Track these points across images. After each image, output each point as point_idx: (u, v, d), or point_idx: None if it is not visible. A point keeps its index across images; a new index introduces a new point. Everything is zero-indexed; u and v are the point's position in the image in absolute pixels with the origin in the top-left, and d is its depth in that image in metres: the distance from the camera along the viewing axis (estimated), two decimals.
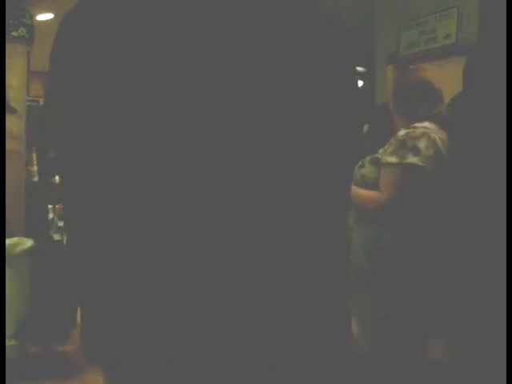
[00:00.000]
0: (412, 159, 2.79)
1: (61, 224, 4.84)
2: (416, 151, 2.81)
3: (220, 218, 0.96)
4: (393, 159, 2.85)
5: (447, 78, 3.55)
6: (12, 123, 4.96)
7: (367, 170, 2.96)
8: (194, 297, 0.97)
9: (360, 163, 3.02)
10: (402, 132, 2.94)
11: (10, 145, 4.82)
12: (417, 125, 2.91)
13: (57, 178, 7.33)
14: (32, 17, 5.81)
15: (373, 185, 2.93)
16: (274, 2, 1.02)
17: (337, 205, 1.10)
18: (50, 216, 4.93)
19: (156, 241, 0.96)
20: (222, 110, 0.95)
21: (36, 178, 5.34)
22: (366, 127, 5.15)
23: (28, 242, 4.07)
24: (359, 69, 7.21)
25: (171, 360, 0.97)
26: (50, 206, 4.91)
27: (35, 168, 5.39)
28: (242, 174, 0.97)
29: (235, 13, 0.98)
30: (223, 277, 0.96)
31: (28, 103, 6.15)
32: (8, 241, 3.76)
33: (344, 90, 1.07)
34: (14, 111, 3.88)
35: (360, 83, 7.47)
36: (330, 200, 1.07)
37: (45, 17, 6.27)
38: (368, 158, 3.02)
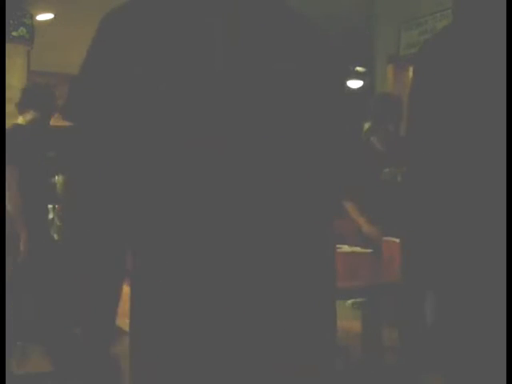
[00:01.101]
0: (382, 175, 2.87)
1: (61, 224, 4.84)
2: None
3: (221, 217, 0.97)
4: None
5: None
6: (12, 123, 4.95)
7: None
8: (194, 295, 0.97)
9: None
10: None
11: None
12: None
13: (57, 177, 7.33)
14: (32, 17, 5.82)
15: None
16: (271, 15, 1.05)
17: (329, 206, 1.11)
18: (50, 216, 4.92)
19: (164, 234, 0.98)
20: (222, 113, 0.97)
21: None
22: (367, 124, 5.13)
23: None
24: (359, 69, 7.22)
25: (175, 357, 0.98)
26: (49, 206, 4.91)
27: None
28: (240, 172, 0.98)
29: (236, 24, 1.01)
30: (222, 275, 0.97)
31: None
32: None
33: (335, 94, 1.09)
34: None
35: (360, 83, 7.48)
36: (325, 200, 1.08)
37: (45, 17, 6.28)
38: None
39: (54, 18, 6.31)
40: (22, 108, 3.53)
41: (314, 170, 1.04)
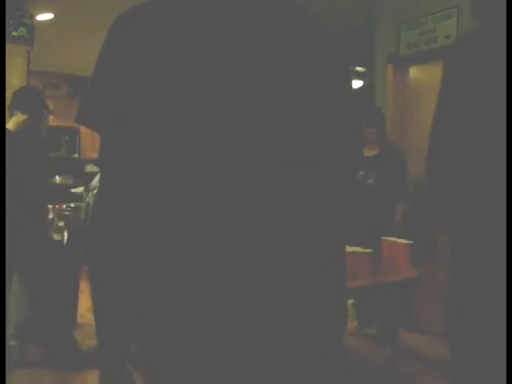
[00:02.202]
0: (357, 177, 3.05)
1: (61, 224, 4.85)
2: None
3: (223, 217, 0.97)
4: None
5: None
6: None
7: None
8: (196, 294, 0.98)
9: None
10: None
11: None
12: None
13: (57, 177, 7.35)
14: (32, 17, 5.81)
15: None
16: (271, 13, 1.05)
17: (335, 205, 1.11)
18: (50, 216, 4.93)
19: (163, 235, 0.99)
20: (224, 114, 0.97)
21: None
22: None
23: None
24: (359, 69, 7.21)
25: (175, 357, 0.99)
26: (50, 206, 4.91)
27: None
28: (243, 173, 0.98)
29: (237, 27, 1.01)
30: (225, 275, 0.97)
31: None
32: None
33: (337, 94, 1.09)
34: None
35: (360, 83, 7.48)
36: (329, 200, 1.08)
37: (45, 17, 6.27)
38: None
39: (54, 17, 6.31)
40: (11, 111, 3.70)
41: (316, 169, 1.05)
